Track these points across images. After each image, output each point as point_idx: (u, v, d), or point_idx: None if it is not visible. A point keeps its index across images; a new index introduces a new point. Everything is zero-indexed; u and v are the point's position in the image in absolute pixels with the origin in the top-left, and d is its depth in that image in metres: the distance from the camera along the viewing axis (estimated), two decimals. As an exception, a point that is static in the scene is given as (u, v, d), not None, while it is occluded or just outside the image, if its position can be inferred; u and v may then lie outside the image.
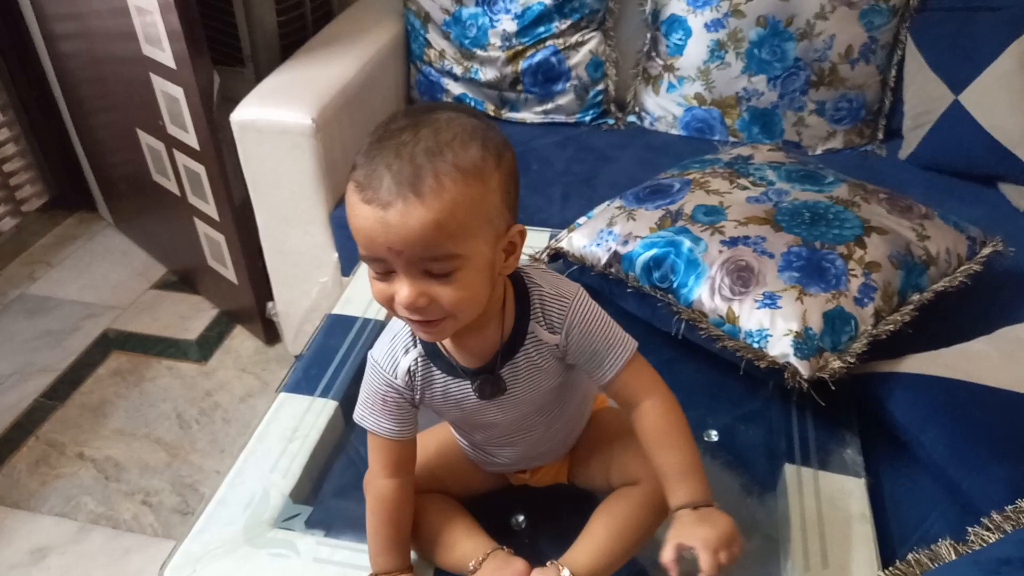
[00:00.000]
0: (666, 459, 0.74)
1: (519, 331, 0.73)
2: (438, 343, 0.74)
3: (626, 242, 1.09)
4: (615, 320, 0.76)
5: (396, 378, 0.75)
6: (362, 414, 0.78)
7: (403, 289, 0.63)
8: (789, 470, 0.93)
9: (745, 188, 1.13)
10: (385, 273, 0.64)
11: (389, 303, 0.65)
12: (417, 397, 0.77)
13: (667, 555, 0.69)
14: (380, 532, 0.80)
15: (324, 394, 1.05)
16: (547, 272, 0.77)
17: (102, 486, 1.49)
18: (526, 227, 0.70)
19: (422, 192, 0.60)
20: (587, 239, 1.13)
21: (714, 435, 1.02)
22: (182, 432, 1.60)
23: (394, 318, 0.77)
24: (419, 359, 0.75)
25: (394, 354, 0.75)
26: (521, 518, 0.91)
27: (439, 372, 0.75)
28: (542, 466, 0.89)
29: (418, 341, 0.75)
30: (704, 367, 1.09)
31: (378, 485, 0.79)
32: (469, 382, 0.75)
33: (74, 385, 1.73)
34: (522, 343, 0.73)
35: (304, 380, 1.07)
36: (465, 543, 0.81)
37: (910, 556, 0.77)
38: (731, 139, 1.63)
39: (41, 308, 1.96)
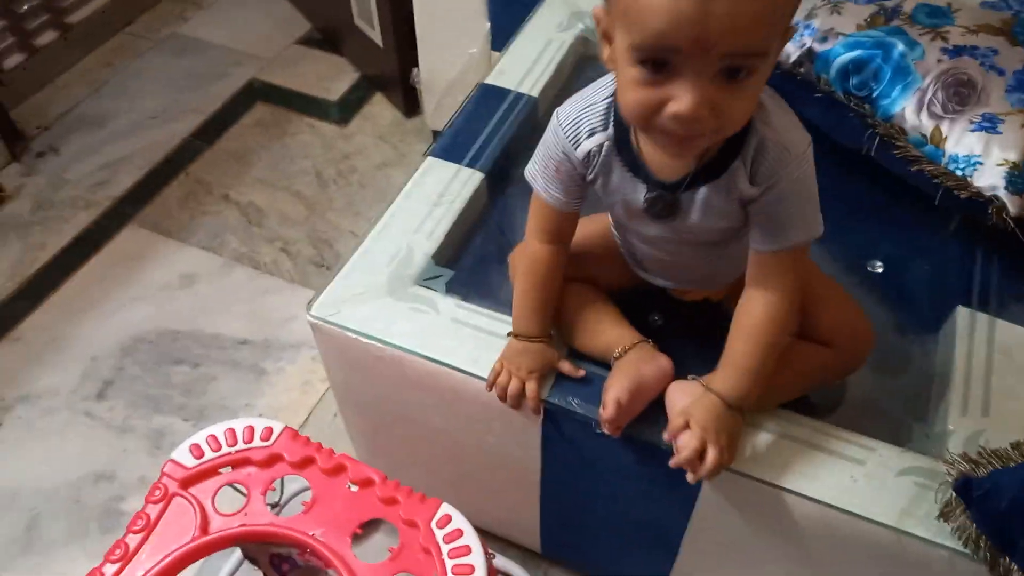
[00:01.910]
0: (740, 348, 0.71)
1: (719, 164, 0.65)
2: (632, 137, 0.67)
3: (825, 39, 0.96)
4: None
5: (575, 151, 0.69)
6: (533, 172, 0.74)
7: (686, 96, 0.53)
8: (962, 313, 0.86)
9: (982, -10, 0.96)
10: (658, 69, 0.53)
11: (652, 112, 0.55)
12: (590, 177, 0.71)
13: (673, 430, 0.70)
14: (528, 294, 0.79)
15: (472, 164, 1.01)
16: (782, 106, 0.65)
17: (245, 228, 1.56)
18: None
19: None
20: (778, 32, 1.00)
21: (879, 266, 0.94)
22: (320, 189, 1.64)
23: (594, 86, 0.70)
24: (606, 145, 0.68)
25: (578, 128, 0.69)
26: (659, 319, 0.88)
27: (621, 165, 0.69)
28: (692, 289, 0.84)
29: (611, 124, 0.67)
30: (881, 189, 0.99)
31: (534, 249, 0.77)
32: (645, 188, 0.68)
33: (220, 130, 1.77)
34: (716, 178, 0.65)
35: (452, 147, 1.04)
36: (611, 331, 0.79)
37: (1091, 418, 0.70)
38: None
39: (190, 49, 1.98)
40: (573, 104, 0.70)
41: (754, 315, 0.70)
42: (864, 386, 0.84)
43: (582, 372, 0.79)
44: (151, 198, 1.62)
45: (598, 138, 0.68)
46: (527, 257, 0.78)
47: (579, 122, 0.69)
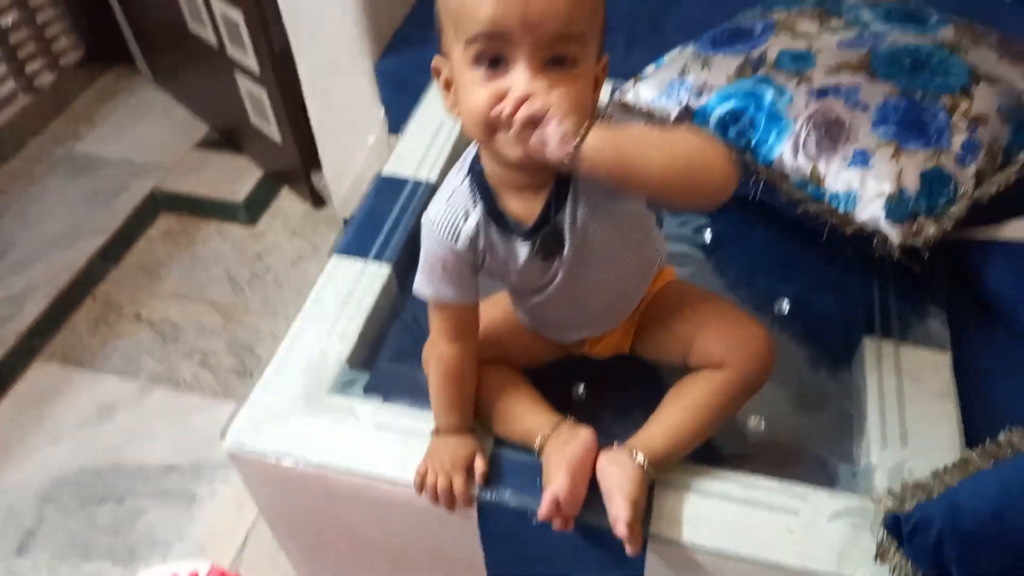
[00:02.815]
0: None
1: (563, 184, 0.68)
2: (496, 198, 0.69)
3: (700, 94, 0.99)
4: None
5: (457, 243, 0.70)
6: (420, 282, 0.74)
7: (522, 75, 0.58)
8: (868, 343, 0.88)
9: (837, 30, 1.00)
10: (495, 67, 0.59)
11: (495, 103, 0.59)
12: (479, 261, 0.72)
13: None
14: (443, 391, 0.78)
15: (377, 257, 1.01)
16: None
17: (160, 346, 1.51)
18: None
19: None
20: (656, 91, 1.04)
21: (786, 305, 0.96)
22: (235, 294, 1.61)
23: (449, 177, 0.71)
24: (481, 219, 0.69)
25: (454, 217, 0.70)
26: (581, 389, 0.88)
27: (497, 230, 0.70)
28: (604, 335, 0.84)
29: (478, 200, 0.69)
30: (777, 233, 1.02)
31: (441, 351, 0.77)
32: (527, 243, 0.70)
33: (126, 246, 1.73)
34: (567, 193, 0.68)
35: (356, 243, 1.03)
36: (528, 417, 0.79)
37: (1001, 436, 0.71)
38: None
39: (87, 167, 1.94)
40: (437, 203, 0.72)
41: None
42: (787, 427, 0.85)
43: (483, 470, 0.77)
44: (59, 327, 1.56)
45: (473, 217, 0.70)
46: (435, 358, 0.78)
47: (450, 214, 0.70)
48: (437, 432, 0.79)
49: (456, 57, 0.62)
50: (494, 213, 0.70)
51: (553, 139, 0.57)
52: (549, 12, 0.57)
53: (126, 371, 1.47)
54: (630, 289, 0.80)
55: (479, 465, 0.78)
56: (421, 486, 0.77)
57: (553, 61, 0.59)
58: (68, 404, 1.42)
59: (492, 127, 0.61)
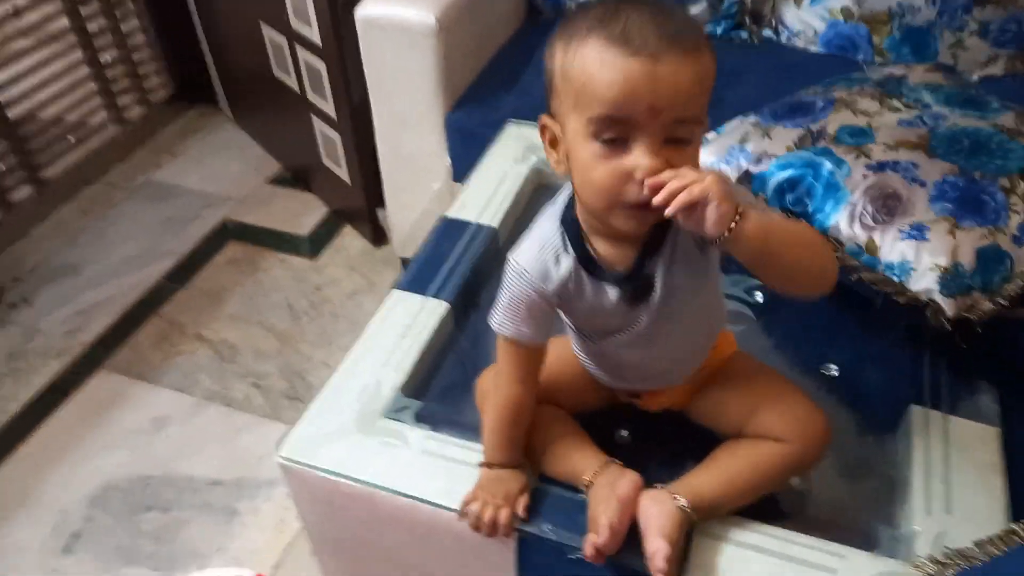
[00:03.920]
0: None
1: (658, 238, 0.71)
2: (589, 244, 0.72)
3: (759, 160, 1.03)
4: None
5: (547, 285, 0.73)
6: (501, 320, 0.76)
7: (645, 158, 0.61)
8: (916, 411, 0.89)
9: (897, 110, 1.04)
10: (616, 144, 0.62)
11: (622, 181, 0.62)
12: (562, 303, 0.75)
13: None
14: (501, 431, 0.80)
15: (436, 295, 1.05)
16: None
17: (217, 366, 1.57)
18: None
19: (689, 48, 0.60)
20: (715, 156, 1.08)
21: (834, 369, 0.97)
22: (292, 322, 1.66)
23: (539, 223, 0.75)
24: (574, 265, 0.73)
25: (544, 262, 0.73)
26: (625, 433, 0.90)
27: (588, 276, 0.73)
28: (662, 391, 0.86)
29: (570, 246, 0.72)
30: (829, 299, 1.03)
31: (508, 392, 0.79)
32: (616, 288, 0.73)
33: (193, 270, 1.81)
34: (660, 247, 0.71)
35: (417, 280, 1.08)
36: (578, 456, 0.81)
37: (1049, 513, 0.72)
38: (877, 59, 1.50)
39: (165, 195, 2.04)
40: (528, 247, 0.74)
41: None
42: (828, 490, 0.85)
43: (526, 503, 0.79)
44: (123, 342, 1.63)
45: (565, 262, 0.73)
46: (501, 397, 0.80)
47: (542, 258, 0.73)
48: (489, 465, 0.81)
49: (571, 125, 0.65)
50: (585, 259, 0.73)
51: (711, 220, 0.60)
52: (674, 100, 0.60)
53: (183, 387, 1.53)
54: (699, 346, 0.83)
55: (524, 500, 0.79)
56: (466, 514, 0.79)
57: (669, 140, 0.62)
58: (125, 414, 1.48)
59: (614, 202, 0.64)
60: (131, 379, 1.55)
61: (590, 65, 0.61)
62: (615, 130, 0.62)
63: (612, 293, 0.73)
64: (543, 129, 0.70)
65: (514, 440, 0.81)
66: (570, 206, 0.73)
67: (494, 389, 0.81)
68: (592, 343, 0.82)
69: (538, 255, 0.73)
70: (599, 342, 0.80)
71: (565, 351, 0.87)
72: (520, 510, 0.79)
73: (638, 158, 0.61)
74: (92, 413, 1.49)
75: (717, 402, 0.84)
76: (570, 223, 0.73)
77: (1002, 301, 0.86)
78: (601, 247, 0.72)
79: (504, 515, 0.78)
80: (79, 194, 2.04)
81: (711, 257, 0.74)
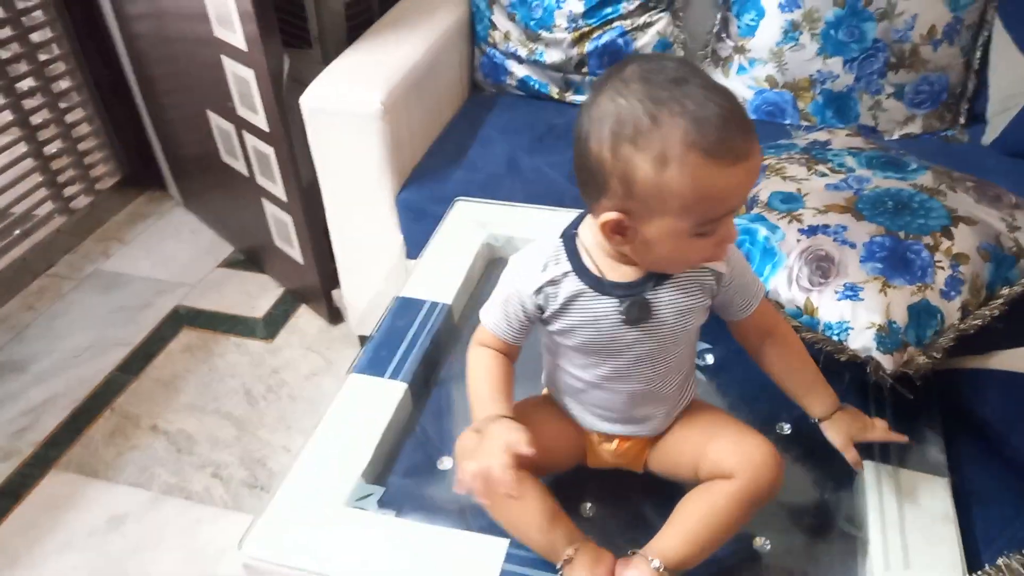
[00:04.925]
0: (810, 375, 0.87)
1: None
2: (589, 262, 0.77)
3: (699, 229, 1.07)
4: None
5: (529, 288, 0.78)
6: (486, 308, 0.83)
7: (732, 230, 0.70)
8: (867, 466, 0.91)
9: (824, 175, 1.10)
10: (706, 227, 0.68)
11: (712, 253, 0.72)
12: (547, 311, 0.79)
13: (855, 457, 0.85)
14: (488, 379, 0.82)
15: (394, 376, 1.06)
16: None
17: (174, 458, 1.54)
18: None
19: (753, 129, 0.66)
20: (658, 225, 1.12)
21: (787, 428, 1.00)
22: (250, 408, 1.64)
23: (536, 244, 0.81)
24: (569, 273, 0.77)
25: (544, 263, 0.78)
26: (589, 506, 0.91)
27: (586, 286, 0.77)
28: (632, 437, 0.88)
29: (570, 257, 0.78)
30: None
31: (482, 351, 0.84)
32: (617, 302, 0.76)
33: (147, 359, 1.78)
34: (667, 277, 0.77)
35: (374, 362, 1.08)
36: (555, 530, 0.80)
37: (1000, 561, 0.74)
38: (803, 123, 1.58)
39: (115, 284, 2.02)
40: (527, 250, 0.81)
41: (798, 342, 0.89)
42: (790, 549, 0.87)
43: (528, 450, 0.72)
44: (75, 439, 1.59)
45: (563, 265, 0.78)
46: (476, 356, 0.84)
47: (541, 259, 0.78)
48: (477, 431, 0.76)
49: (666, 225, 0.68)
50: (584, 271, 0.77)
51: None
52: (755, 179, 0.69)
53: (139, 482, 1.49)
54: (676, 393, 0.86)
55: (523, 437, 0.72)
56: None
57: None
58: (80, 514, 1.44)
59: (692, 264, 0.76)
60: (85, 477, 1.51)
61: (701, 182, 0.65)
62: (715, 220, 0.68)
63: (611, 306, 0.77)
64: (613, 225, 0.70)
65: (500, 391, 0.81)
66: (574, 225, 0.79)
67: (470, 353, 0.85)
68: (583, 372, 0.83)
69: (537, 255, 0.79)
70: (591, 371, 0.82)
71: (544, 407, 0.90)
72: (522, 447, 0.71)
73: (722, 231, 0.70)
74: (45, 516, 1.44)
75: (676, 450, 0.87)
76: (569, 238, 0.78)
77: (936, 355, 0.90)
78: (605, 264, 0.77)
79: (499, 466, 0.70)
80: (26, 288, 2.00)
81: (704, 305, 0.80)
